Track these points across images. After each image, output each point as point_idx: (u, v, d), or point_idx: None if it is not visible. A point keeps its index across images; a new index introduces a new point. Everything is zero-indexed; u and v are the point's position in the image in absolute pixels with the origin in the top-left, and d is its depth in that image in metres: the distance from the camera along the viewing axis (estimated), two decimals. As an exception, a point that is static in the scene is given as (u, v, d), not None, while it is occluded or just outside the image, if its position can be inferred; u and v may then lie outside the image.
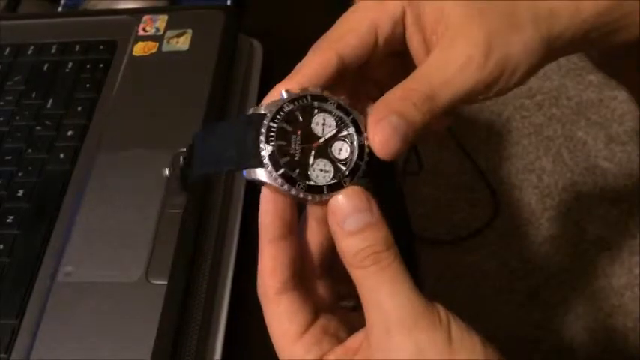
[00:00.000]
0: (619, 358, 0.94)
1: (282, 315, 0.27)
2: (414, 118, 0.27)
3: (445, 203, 1.09)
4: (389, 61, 0.31)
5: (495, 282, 0.97)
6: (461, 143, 1.12)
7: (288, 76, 0.29)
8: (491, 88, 0.28)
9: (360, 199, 0.26)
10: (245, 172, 0.27)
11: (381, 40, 0.29)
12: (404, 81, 0.28)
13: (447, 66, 0.28)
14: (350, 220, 0.26)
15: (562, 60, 1.15)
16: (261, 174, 0.26)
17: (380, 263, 0.26)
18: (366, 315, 0.26)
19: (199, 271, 0.39)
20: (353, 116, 0.28)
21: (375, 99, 0.29)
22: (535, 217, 1.08)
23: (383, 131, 0.27)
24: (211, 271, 0.40)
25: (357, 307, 0.28)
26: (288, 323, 0.27)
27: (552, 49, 0.29)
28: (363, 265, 0.26)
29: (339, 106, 0.28)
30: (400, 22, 0.29)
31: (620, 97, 1.15)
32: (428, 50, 0.30)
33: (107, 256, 0.40)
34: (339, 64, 0.28)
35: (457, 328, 0.25)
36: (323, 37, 0.29)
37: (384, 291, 0.25)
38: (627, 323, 0.97)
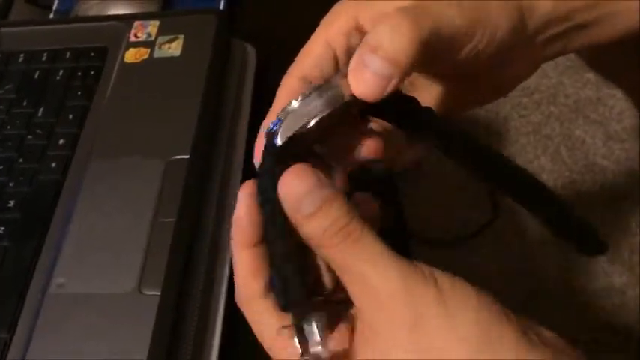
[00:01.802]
0: (620, 358, 0.93)
1: (271, 315, 0.26)
2: (394, 46, 0.26)
3: (444, 204, 1.09)
4: None
5: (495, 282, 0.97)
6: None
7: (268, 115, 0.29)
8: (476, 31, 0.28)
9: (306, 176, 0.24)
10: None
11: (340, 53, 0.29)
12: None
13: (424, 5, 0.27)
14: (305, 203, 0.24)
15: (560, 58, 1.14)
16: None
17: (351, 236, 0.24)
18: (352, 295, 0.25)
19: (193, 281, 0.39)
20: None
21: None
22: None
23: (356, 76, 0.26)
24: (205, 281, 0.39)
25: (334, 298, 0.27)
26: (280, 322, 0.26)
27: (529, 23, 0.29)
28: (333, 243, 0.24)
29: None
30: (354, 32, 0.29)
31: (619, 95, 1.14)
32: None
33: (99, 266, 0.39)
34: (305, 82, 0.29)
35: (443, 279, 0.24)
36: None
37: (365, 265, 0.24)
38: (629, 322, 0.97)
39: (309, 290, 0.25)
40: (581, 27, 0.30)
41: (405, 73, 0.26)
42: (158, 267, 0.38)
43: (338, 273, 0.25)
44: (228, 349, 0.39)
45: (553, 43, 0.31)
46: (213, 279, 0.40)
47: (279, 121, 0.26)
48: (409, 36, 0.26)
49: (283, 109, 0.27)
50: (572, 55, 1.18)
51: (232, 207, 0.43)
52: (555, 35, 0.30)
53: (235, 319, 0.39)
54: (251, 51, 0.53)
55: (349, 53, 0.29)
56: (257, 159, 0.28)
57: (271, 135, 0.26)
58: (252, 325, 0.27)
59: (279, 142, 0.26)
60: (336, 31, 0.29)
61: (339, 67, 0.29)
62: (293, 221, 0.25)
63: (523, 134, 1.16)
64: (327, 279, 0.28)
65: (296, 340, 0.25)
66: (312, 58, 0.29)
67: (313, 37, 0.30)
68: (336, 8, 0.30)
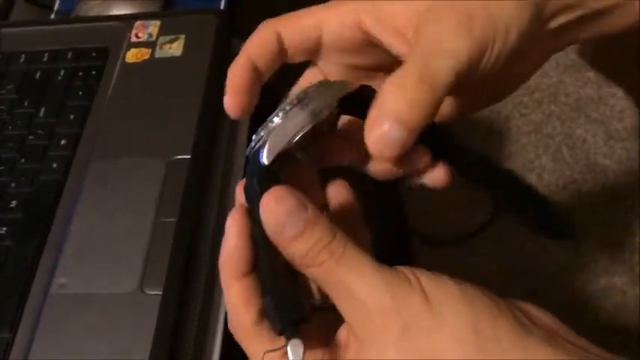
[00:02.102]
0: (622, 357, 0.93)
1: (265, 343, 0.26)
2: (411, 117, 0.26)
3: (445, 203, 1.08)
4: (373, 50, 0.31)
5: (495, 282, 0.97)
6: (459, 141, 1.11)
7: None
8: (486, 51, 0.27)
9: (286, 198, 0.25)
10: None
11: (327, 38, 0.30)
12: (392, 74, 0.27)
13: (438, 38, 0.27)
14: (288, 227, 0.24)
15: (560, 57, 1.14)
16: None
17: (334, 254, 0.24)
18: (342, 310, 0.25)
19: (194, 281, 0.39)
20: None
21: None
22: (535, 216, 1.08)
23: (377, 143, 0.26)
24: (207, 280, 0.39)
25: (326, 305, 0.27)
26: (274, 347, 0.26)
27: (543, 14, 0.29)
28: (317, 262, 0.24)
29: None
30: (353, 28, 0.29)
31: (619, 93, 1.14)
32: (404, 39, 0.29)
33: (101, 266, 0.39)
34: (278, 41, 0.30)
35: (428, 282, 0.24)
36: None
37: (350, 281, 0.24)
38: (629, 322, 0.96)
39: (303, 311, 0.25)
40: (594, 15, 0.30)
41: (414, 138, 0.27)
42: (160, 267, 0.38)
43: (325, 289, 0.25)
44: (230, 349, 0.39)
45: (564, 32, 0.30)
46: (214, 279, 0.40)
47: (261, 139, 0.27)
48: (427, 106, 0.26)
49: (264, 126, 0.27)
50: (572, 54, 1.18)
51: (233, 206, 0.44)
52: (567, 23, 0.30)
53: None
54: (252, 51, 0.53)
55: (338, 43, 0.30)
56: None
57: (255, 153, 0.27)
58: (248, 353, 0.27)
59: (265, 160, 0.26)
60: (335, 18, 0.30)
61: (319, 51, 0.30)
62: (276, 244, 0.25)
63: (524, 133, 1.16)
64: (315, 288, 0.28)
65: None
66: (297, 29, 0.30)
67: (310, 11, 0.30)
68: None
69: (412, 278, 0.25)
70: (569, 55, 1.19)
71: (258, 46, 0.30)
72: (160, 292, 0.37)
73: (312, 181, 0.30)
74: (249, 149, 0.27)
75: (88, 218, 0.42)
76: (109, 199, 0.42)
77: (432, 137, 0.29)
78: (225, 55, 0.50)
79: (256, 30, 0.30)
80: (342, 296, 0.25)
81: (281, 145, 0.26)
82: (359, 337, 0.25)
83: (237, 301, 0.27)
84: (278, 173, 0.27)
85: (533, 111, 1.18)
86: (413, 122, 0.26)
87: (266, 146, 0.26)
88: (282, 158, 0.27)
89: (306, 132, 0.27)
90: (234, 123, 0.48)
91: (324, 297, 0.27)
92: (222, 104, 0.49)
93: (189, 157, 0.43)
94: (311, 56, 0.31)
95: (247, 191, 0.27)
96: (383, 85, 0.27)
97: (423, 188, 0.31)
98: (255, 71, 0.30)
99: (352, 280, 0.24)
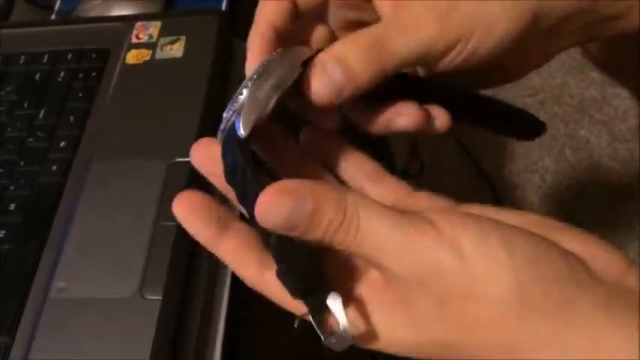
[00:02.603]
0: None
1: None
2: (356, 66, 0.26)
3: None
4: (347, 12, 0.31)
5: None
6: (462, 143, 1.11)
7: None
8: (457, 44, 0.27)
9: (281, 198, 0.23)
10: None
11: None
12: (357, 31, 0.28)
13: (406, 17, 0.27)
14: (294, 225, 0.23)
15: (564, 57, 1.13)
16: None
17: (350, 233, 0.23)
18: (378, 267, 0.24)
19: (195, 286, 0.39)
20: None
21: None
22: (539, 217, 1.07)
23: (316, 78, 0.26)
24: (207, 285, 0.39)
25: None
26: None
27: (544, 20, 0.28)
28: (337, 243, 0.24)
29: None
30: None
31: (624, 94, 1.13)
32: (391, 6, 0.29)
33: (101, 270, 0.39)
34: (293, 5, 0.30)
35: (464, 231, 0.23)
36: None
37: (373, 252, 0.23)
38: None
39: (319, 269, 0.25)
40: (603, 19, 0.29)
41: (357, 92, 0.27)
42: (160, 271, 0.38)
43: (355, 256, 0.25)
44: (231, 354, 0.38)
45: (572, 35, 0.30)
46: (215, 283, 0.40)
47: (233, 112, 0.27)
48: (375, 65, 0.27)
49: (234, 99, 0.27)
50: (576, 55, 1.18)
51: (234, 208, 0.43)
52: (575, 28, 0.30)
53: (237, 324, 0.39)
54: (253, 52, 0.52)
55: None
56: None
57: (231, 128, 0.27)
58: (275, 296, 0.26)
59: (242, 133, 0.26)
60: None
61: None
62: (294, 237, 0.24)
63: (527, 134, 1.16)
64: None
65: (315, 326, 0.24)
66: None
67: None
68: None
69: (445, 230, 0.23)
70: (572, 55, 1.18)
71: (272, 6, 0.30)
72: (160, 297, 0.37)
73: (292, 147, 0.30)
74: (222, 127, 0.27)
75: (88, 221, 0.41)
76: (109, 202, 0.42)
77: (412, 88, 0.29)
78: (226, 56, 0.49)
79: None
80: (372, 258, 0.24)
81: (255, 115, 0.26)
82: (395, 291, 0.24)
83: (237, 257, 0.26)
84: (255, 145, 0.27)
85: (536, 112, 1.17)
86: (354, 74, 0.26)
87: (240, 119, 0.26)
88: (258, 130, 0.27)
89: (276, 100, 0.27)
90: (236, 125, 0.47)
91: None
92: (223, 106, 0.48)
93: (189, 159, 0.42)
94: (320, 9, 0.31)
95: (230, 169, 0.27)
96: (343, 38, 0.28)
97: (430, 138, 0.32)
98: (274, 31, 0.30)
99: (375, 253, 0.23)
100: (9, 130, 0.47)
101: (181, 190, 0.40)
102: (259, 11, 0.30)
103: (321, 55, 0.27)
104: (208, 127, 0.45)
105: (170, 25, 0.50)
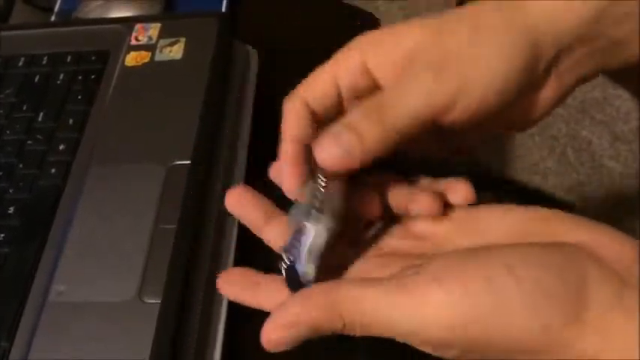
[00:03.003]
0: None
1: None
2: (365, 131, 0.27)
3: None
4: None
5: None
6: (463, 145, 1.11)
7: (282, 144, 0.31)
8: (455, 102, 0.28)
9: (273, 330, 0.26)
10: None
11: (344, 90, 0.31)
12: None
13: (402, 79, 0.28)
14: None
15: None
16: None
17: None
18: None
19: (194, 289, 0.38)
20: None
21: None
22: (540, 218, 1.07)
23: (327, 146, 0.28)
24: (207, 289, 0.39)
25: None
26: None
27: (546, 53, 0.28)
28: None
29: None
30: (362, 71, 0.30)
31: (625, 95, 1.13)
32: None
33: (100, 274, 0.39)
34: (307, 109, 0.31)
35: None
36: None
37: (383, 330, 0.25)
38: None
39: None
40: (615, 44, 0.29)
41: (369, 156, 0.28)
42: (159, 275, 0.37)
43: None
44: (230, 358, 0.38)
45: (583, 64, 0.30)
46: (214, 287, 0.39)
47: (296, 256, 0.28)
48: (382, 126, 0.28)
49: (291, 247, 0.28)
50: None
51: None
52: (584, 56, 0.29)
53: (237, 328, 0.39)
54: (253, 53, 0.52)
55: (354, 92, 0.31)
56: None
57: (294, 271, 0.28)
58: None
59: (312, 280, 0.28)
60: (344, 69, 0.30)
61: (342, 105, 0.31)
62: None
63: (529, 135, 1.15)
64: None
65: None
66: (318, 90, 0.31)
67: (322, 69, 0.31)
68: (349, 46, 0.31)
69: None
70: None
71: (294, 121, 0.31)
72: (159, 301, 0.36)
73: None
74: (286, 267, 0.28)
75: (87, 224, 0.41)
76: (108, 205, 0.42)
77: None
78: (226, 58, 0.49)
79: (285, 109, 0.31)
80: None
81: (317, 263, 0.28)
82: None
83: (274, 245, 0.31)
84: None
85: (538, 112, 1.18)
86: (364, 138, 0.27)
87: (306, 269, 0.28)
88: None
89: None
90: (236, 128, 0.47)
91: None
92: (223, 108, 0.48)
93: (189, 162, 0.42)
94: (338, 108, 0.32)
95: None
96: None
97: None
98: (301, 144, 0.31)
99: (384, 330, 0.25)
100: (8, 132, 0.47)
101: (180, 193, 0.41)
102: (284, 129, 0.31)
103: (331, 126, 0.28)
104: (207, 130, 0.44)
105: (170, 27, 0.50)
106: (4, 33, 0.53)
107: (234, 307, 0.39)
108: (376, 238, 0.31)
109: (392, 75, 0.30)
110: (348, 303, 0.25)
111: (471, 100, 0.28)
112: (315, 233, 0.28)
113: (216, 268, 0.40)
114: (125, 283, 0.38)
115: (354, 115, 0.28)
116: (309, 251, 0.28)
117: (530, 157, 1.13)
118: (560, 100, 0.31)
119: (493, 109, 0.28)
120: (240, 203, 0.32)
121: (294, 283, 0.28)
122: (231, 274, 0.31)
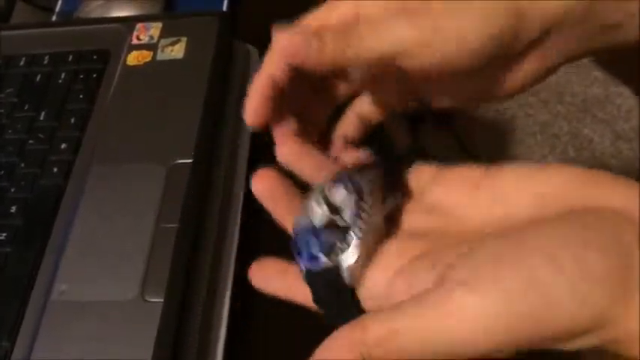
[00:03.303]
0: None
1: None
2: (327, 43, 0.28)
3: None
4: None
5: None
6: (464, 143, 1.11)
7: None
8: (428, 45, 0.27)
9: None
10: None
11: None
12: None
13: (377, 21, 0.28)
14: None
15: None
16: None
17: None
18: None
19: (196, 288, 0.38)
20: None
21: None
22: (542, 217, 1.07)
23: (292, 33, 0.28)
24: (209, 287, 0.39)
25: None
26: None
27: (526, 23, 0.27)
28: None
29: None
30: (354, 17, 0.30)
31: (627, 93, 1.13)
32: None
33: (102, 273, 0.39)
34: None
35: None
36: None
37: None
38: None
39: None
40: (603, 29, 0.28)
41: (319, 68, 0.28)
42: (161, 274, 0.37)
43: None
44: (232, 356, 0.38)
45: (563, 48, 0.29)
46: (216, 286, 0.40)
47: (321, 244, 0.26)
48: (346, 50, 0.27)
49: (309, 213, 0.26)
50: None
51: (235, 211, 0.43)
52: (567, 39, 0.28)
53: (239, 326, 0.39)
54: (254, 52, 0.52)
55: None
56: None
57: (331, 272, 0.25)
58: None
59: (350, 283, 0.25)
60: (336, 15, 0.30)
61: None
62: None
63: (530, 134, 1.15)
64: None
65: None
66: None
67: (315, 13, 0.30)
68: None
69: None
70: (575, 54, 1.17)
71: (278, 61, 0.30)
72: (162, 300, 0.37)
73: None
74: (299, 248, 0.27)
75: (89, 223, 0.41)
76: (109, 204, 0.42)
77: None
78: (227, 57, 0.49)
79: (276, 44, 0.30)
80: None
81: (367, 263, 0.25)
82: None
83: None
84: None
85: (539, 111, 1.17)
86: (324, 50, 0.27)
87: (348, 269, 0.25)
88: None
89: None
90: (237, 127, 0.47)
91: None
92: (224, 108, 0.48)
93: (190, 161, 0.42)
94: None
95: (321, 298, 0.27)
96: None
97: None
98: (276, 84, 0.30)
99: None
100: (9, 132, 0.47)
101: (181, 192, 0.41)
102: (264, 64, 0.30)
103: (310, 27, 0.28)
104: (208, 129, 0.44)
105: (171, 27, 0.50)
106: (5, 33, 0.53)
107: (237, 306, 0.39)
108: (390, 214, 0.28)
109: None
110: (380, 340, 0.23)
111: (439, 52, 0.27)
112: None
113: (217, 266, 0.40)
114: (127, 282, 0.38)
115: (325, 33, 0.28)
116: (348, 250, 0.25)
117: (532, 155, 1.13)
118: (542, 77, 0.30)
119: (462, 69, 0.28)
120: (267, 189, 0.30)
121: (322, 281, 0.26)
122: (263, 265, 0.29)
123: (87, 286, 0.38)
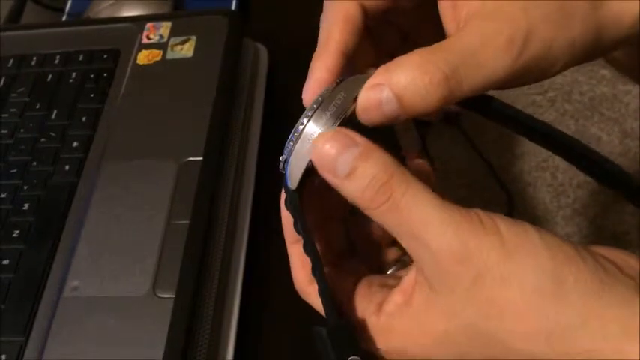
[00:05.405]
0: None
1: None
2: (415, 103, 0.24)
3: (457, 202, 1.08)
4: (415, 12, 0.29)
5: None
6: (472, 141, 1.11)
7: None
8: (521, 78, 0.25)
9: (338, 138, 0.24)
10: None
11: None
12: (425, 49, 0.25)
13: (482, 47, 0.24)
14: (340, 164, 0.23)
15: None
16: None
17: (394, 195, 0.23)
18: (409, 251, 0.24)
19: (207, 283, 0.39)
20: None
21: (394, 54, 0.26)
22: (550, 216, 1.07)
23: (368, 99, 0.25)
24: (220, 283, 0.39)
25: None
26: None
27: (599, 50, 0.26)
28: (377, 204, 0.23)
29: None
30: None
31: (634, 91, 1.13)
32: (456, 16, 0.26)
33: (114, 269, 0.39)
34: (362, 14, 0.27)
35: (506, 227, 0.22)
36: None
37: (415, 224, 0.23)
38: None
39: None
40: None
41: (410, 117, 0.25)
42: (172, 269, 0.38)
43: (391, 232, 0.24)
44: (243, 351, 0.38)
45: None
46: (227, 281, 0.40)
47: (292, 146, 0.26)
48: (436, 96, 0.24)
49: (295, 130, 0.26)
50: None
51: (245, 208, 0.43)
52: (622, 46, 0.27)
53: (249, 321, 0.39)
54: (263, 51, 0.53)
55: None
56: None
57: (283, 175, 0.26)
58: (314, 306, 0.27)
59: (290, 186, 0.26)
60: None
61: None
62: (334, 186, 0.24)
63: (537, 132, 1.15)
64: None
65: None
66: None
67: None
68: None
69: (488, 222, 0.23)
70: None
71: (342, 27, 0.28)
72: (173, 295, 0.37)
73: None
74: (283, 157, 0.26)
75: (101, 220, 0.41)
76: (121, 202, 0.42)
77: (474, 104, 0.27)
78: (236, 55, 0.49)
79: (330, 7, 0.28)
80: (408, 239, 0.23)
81: (303, 166, 0.25)
82: (427, 281, 0.24)
83: (294, 262, 0.27)
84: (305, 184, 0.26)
85: (547, 110, 1.17)
86: (411, 109, 0.24)
87: (288, 170, 0.26)
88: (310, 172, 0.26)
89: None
90: (247, 123, 0.48)
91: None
92: (234, 105, 0.48)
93: (201, 158, 0.42)
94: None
95: (286, 205, 0.27)
96: (409, 54, 0.25)
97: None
98: (342, 56, 0.28)
99: (417, 225, 0.23)
100: (22, 130, 0.47)
101: (192, 189, 0.41)
102: (328, 33, 0.27)
103: (380, 76, 0.25)
104: (218, 126, 0.45)
105: (180, 26, 0.50)
106: (17, 33, 0.54)
107: (248, 300, 0.39)
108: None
109: (452, 12, 0.26)
110: (410, 179, 0.23)
111: (550, 66, 0.25)
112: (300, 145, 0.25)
113: (228, 262, 0.41)
114: (139, 278, 0.38)
115: (411, 80, 0.24)
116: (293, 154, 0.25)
117: (539, 153, 1.13)
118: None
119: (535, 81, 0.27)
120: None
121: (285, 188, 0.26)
122: None
123: (99, 282, 0.39)
